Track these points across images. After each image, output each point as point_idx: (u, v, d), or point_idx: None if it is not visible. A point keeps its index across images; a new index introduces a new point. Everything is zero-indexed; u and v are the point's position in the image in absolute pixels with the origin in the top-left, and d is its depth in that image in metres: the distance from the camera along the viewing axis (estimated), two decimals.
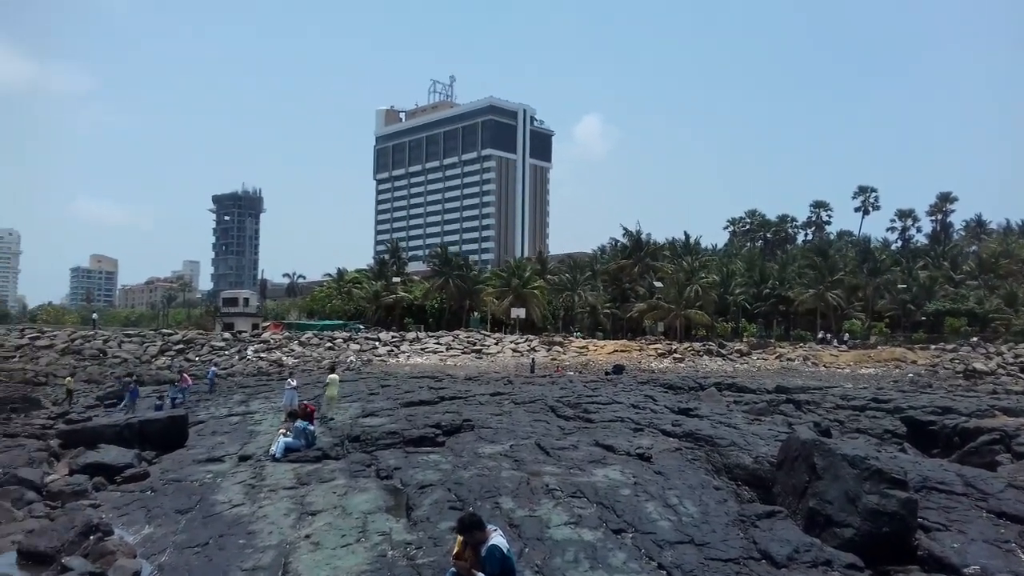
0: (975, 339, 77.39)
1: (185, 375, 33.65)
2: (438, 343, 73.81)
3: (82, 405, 33.62)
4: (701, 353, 74.59)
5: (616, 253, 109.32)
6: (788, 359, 72.79)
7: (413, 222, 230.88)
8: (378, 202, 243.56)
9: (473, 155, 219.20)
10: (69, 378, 38.72)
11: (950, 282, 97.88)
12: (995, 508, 11.74)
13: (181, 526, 12.42)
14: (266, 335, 77.16)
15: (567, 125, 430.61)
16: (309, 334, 76.03)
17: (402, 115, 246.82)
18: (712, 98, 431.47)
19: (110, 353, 63.22)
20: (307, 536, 10.95)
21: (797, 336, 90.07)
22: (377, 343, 72.76)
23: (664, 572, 9.75)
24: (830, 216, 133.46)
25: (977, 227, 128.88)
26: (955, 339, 78.86)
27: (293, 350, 68.00)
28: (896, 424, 23.55)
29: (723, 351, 75.73)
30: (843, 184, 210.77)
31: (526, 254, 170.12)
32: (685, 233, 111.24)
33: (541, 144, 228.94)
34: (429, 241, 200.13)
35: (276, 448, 17.03)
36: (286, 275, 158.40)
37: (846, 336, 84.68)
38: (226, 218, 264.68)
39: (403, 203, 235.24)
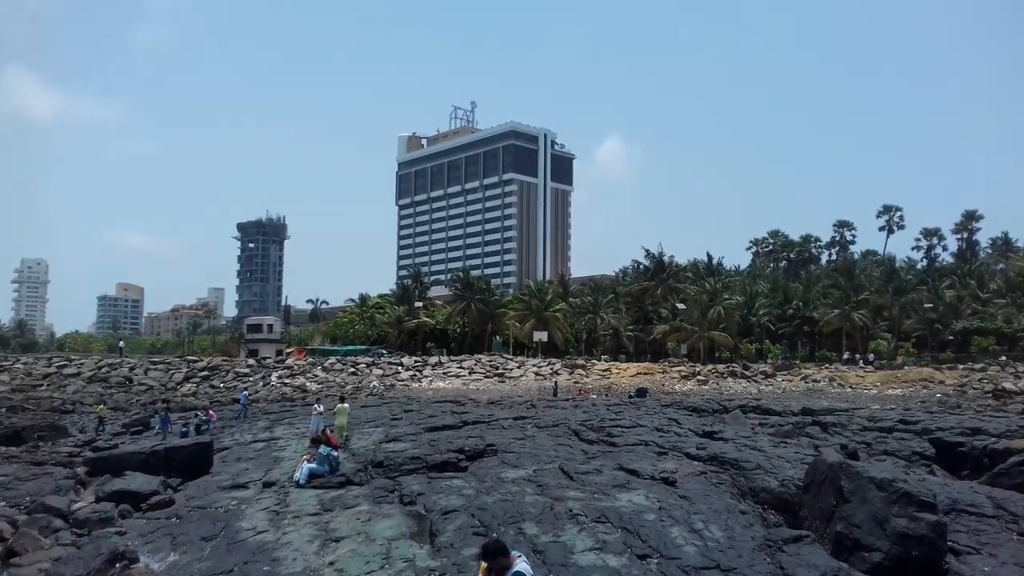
0: (1003, 358, 76.33)
1: (211, 411, 33.89)
2: (460, 367, 73.82)
3: (109, 432, 33.89)
4: (725, 375, 74.05)
5: (638, 275, 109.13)
6: (813, 380, 72.09)
7: (435, 247, 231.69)
8: (400, 227, 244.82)
9: (495, 179, 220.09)
10: (101, 406, 39.10)
11: (977, 301, 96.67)
12: None
13: (206, 553, 12.47)
14: (290, 361, 77.52)
15: (588, 148, 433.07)
16: (332, 360, 76.32)
17: (424, 141, 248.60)
18: (733, 119, 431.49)
19: (136, 381, 63.75)
20: (331, 563, 10.95)
21: (822, 357, 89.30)
22: (400, 368, 72.89)
23: None
24: (854, 236, 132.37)
25: (1004, 245, 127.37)
26: (983, 358, 77.80)
27: (317, 376, 68.25)
28: (924, 446, 23.22)
29: (747, 373, 75.14)
30: (867, 203, 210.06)
31: (548, 277, 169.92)
32: (707, 254, 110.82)
33: (562, 167, 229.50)
34: (451, 265, 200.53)
35: (300, 474, 17.08)
36: (310, 301, 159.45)
37: (872, 357, 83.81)
38: (250, 245, 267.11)
39: (425, 228, 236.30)
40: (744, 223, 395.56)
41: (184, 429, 29.73)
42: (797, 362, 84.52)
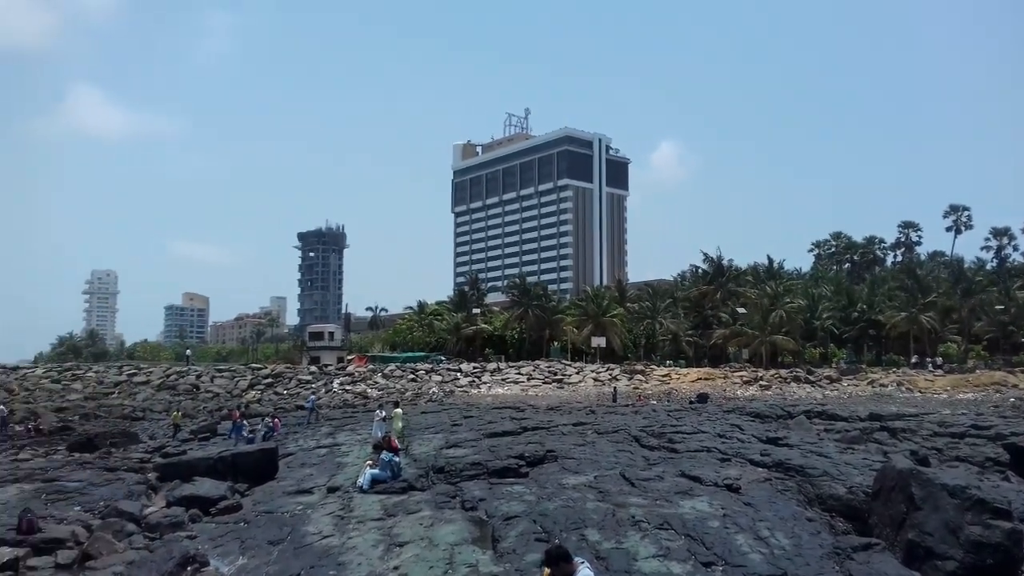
0: None
1: (277, 420, 34.55)
2: (519, 373, 73.92)
3: (178, 439, 34.74)
4: (788, 380, 72.78)
5: (697, 279, 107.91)
6: (880, 385, 70.42)
7: (491, 254, 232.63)
8: (457, 235, 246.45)
9: (549, 185, 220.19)
10: (177, 413, 40.06)
11: None
12: None
13: (274, 557, 12.71)
14: (351, 368, 78.55)
15: (644, 152, 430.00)
16: (392, 366, 77.12)
17: (478, 149, 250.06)
18: (792, 119, 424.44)
19: (203, 388, 65.30)
20: (395, 567, 11.07)
21: (889, 361, 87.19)
22: (459, 374, 73.33)
23: None
24: (920, 236, 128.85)
25: None
26: None
27: (377, 382, 69.05)
28: (998, 451, 22.49)
29: (811, 378, 73.72)
30: (933, 203, 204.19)
31: (605, 282, 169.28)
32: (768, 257, 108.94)
33: (617, 172, 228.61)
34: (507, 272, 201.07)
35: (363, 479, 17.29)
36: (369, 308, 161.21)
37: (941, 360, 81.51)
38: (311, 254, 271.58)
39: (481, 235, 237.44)
40: (805, 225, 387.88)
41: (250, 435, 30.37)
42: (863, 366, 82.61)
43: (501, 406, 44.72)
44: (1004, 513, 10.62)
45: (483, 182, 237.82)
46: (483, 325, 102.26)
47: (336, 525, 14.13)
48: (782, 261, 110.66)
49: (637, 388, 67.73)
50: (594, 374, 74.18)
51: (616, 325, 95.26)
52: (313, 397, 48.48)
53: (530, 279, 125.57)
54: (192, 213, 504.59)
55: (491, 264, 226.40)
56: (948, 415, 34.22)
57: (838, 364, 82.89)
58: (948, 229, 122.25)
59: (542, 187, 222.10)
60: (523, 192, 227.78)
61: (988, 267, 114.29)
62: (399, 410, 28.93)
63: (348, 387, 66.45)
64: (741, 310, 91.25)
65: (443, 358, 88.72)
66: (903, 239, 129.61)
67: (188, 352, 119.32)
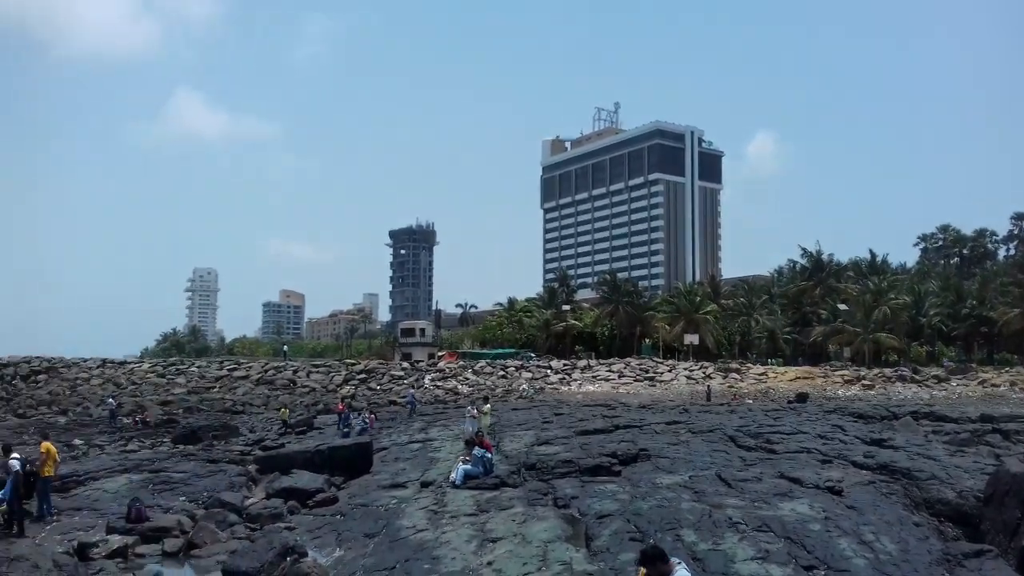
0: None
1: (372, 415, 35.18)
2: (609, 371, 73.38)
3: (275, 432, 35.71)
4: (893, 379, 70.04)
5: (795, 275, 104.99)
6: (992, 385, 67.05)
7: (581, 250, 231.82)
8: (546, 231, 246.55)
9: (640, 180, 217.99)
10: (284, 408, 41.12)
11: None
12: None
13: (369, 549, 12.88)
14: (442, 364, 79.44)
15: (738, 145, 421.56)
16: (482, 363, 77.63)
17: (567, 144, 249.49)
18: (895, 105, 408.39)
19: (299, 383, 67.04)
20: (489, 563, 11.05)
21: (1002, 360, 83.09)
22: (549, 371, 73.26)
23: None
24: None
25: None
26: None
27: (468, 379, 69.61)
28: None
29: (918, 377, 70.76)
30: None
31: (697, 278, 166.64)
32: (870, 252, 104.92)
33: (710, 165, 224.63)
34: (597, 268, 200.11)
35: (456, 475, 17.39)
36: (459, 305, 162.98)
37: None
38: (402, 252, 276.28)
39: (571, 231, 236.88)
40: (910, 217, 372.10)
41: (346, 430, 31.01)
42: (973, 365, 78.88)
43: (592, 404, 44.53)
44: None
45: (572, 178, 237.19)
46: (573, 322, 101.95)
47: (430, 519, 14.24)
48: (886, 255, 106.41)
49: (732, 387, 66.33)
50: (687, 372, 73.00)
51: (709, 322, 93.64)
52: (412, 392, 49.87)
53: (620, 275, 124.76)
54: (288, 212, 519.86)
55: (581, 260, 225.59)
56: None
57: (946, 363, 79.37)
58: None
59: (632, 182, 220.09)
60: (613, 187, 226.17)
61: None
62: (488, 406, 29.19)
63: (439, 383, 67.18)
64: (842, 306, 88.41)
65: (533, 355, 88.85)
66: (1016, 231, 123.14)
67: (285, 348, 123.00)
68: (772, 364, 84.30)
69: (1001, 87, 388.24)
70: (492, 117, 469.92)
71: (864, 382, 68.69)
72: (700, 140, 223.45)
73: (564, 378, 70.69)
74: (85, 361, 72.82)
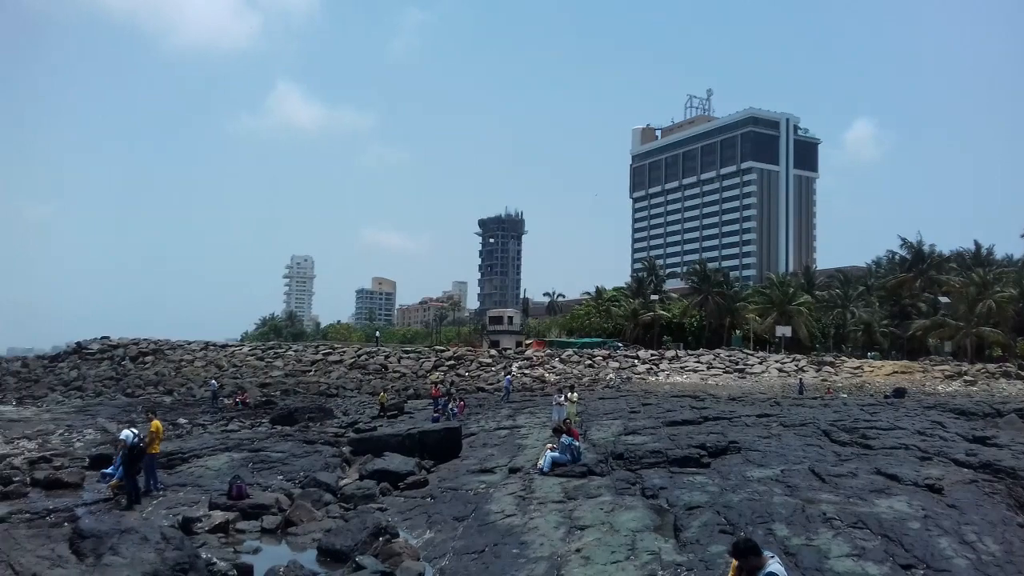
0: None
1: (462, 402, 35.63)
2: (698, 361, 72.37)
3: (368, 416, 36.55)
4: (997, 375, 66.87)
5: (893, 266, 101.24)
6: None
7: (670, 239, 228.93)
8: (635, 220, 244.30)
9: (732, 168, 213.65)
10: (383, 393, 42.02)
11: None
12: None
13: (459, 533, 13.11)
14: (529, 352, 79.78)
15: (835, 132, 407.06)
16: (569, 351, 77.61)
17: (658, 132, 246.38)
18: (1001, 95, 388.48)
19: (391, 368, 68.41)
20: (578, 550, 11.10)
21: None
22: (636, 361, 72.73)
23: None
24: None
25: None
26: None
27: (555, 367, 69.73)
28: None
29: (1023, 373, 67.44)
30: None
31: (790, 269, 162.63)
32: (975, 243, 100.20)
33: (806, 153, 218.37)
34: (687, 258, 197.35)
35: (544, 462, 17.49)
36: (546, 294, 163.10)
37: None
38: (491, 240, 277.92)
39: (660, 220, 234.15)
40: (1018, 208, 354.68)
41: (435, 415, 31.52)
42: None
43: (680, 394, 44.04)
44: None
45: (663, 166, 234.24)
46: (661, 312, 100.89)
47: (518, 505, 14.38)
48: (991, 247, 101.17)
49: (826, 380, 64.55)
50: (778, 364, 71.36)
51: (803, 314, 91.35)
52: (508, 377, 51.04)
53: (711, 265, 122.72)
54: (381, 202, 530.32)
55: (670, 250, 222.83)
56: None
57: None
58: None
59: (724, 170, 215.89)
60: (704, 176, 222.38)
61: None
62: (574, 394, 29.24)
63: (526, 371, 67.50)
64: (943, 299, 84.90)
65: (620, 344, 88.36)
66: None
67: (377, 334, 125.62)
68: (868, 358, 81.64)
69: None
70: (582, 106, 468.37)
71: (966, 378, 65.78)
72: (796, 127, 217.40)
73: (651, 368, 70.08)
74: (189, 344, 75.95)
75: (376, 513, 14.56)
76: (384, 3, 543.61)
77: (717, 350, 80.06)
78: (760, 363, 71.91)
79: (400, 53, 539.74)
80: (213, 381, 48.14)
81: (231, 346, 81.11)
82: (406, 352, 76.94)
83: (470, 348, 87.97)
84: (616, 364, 71.21)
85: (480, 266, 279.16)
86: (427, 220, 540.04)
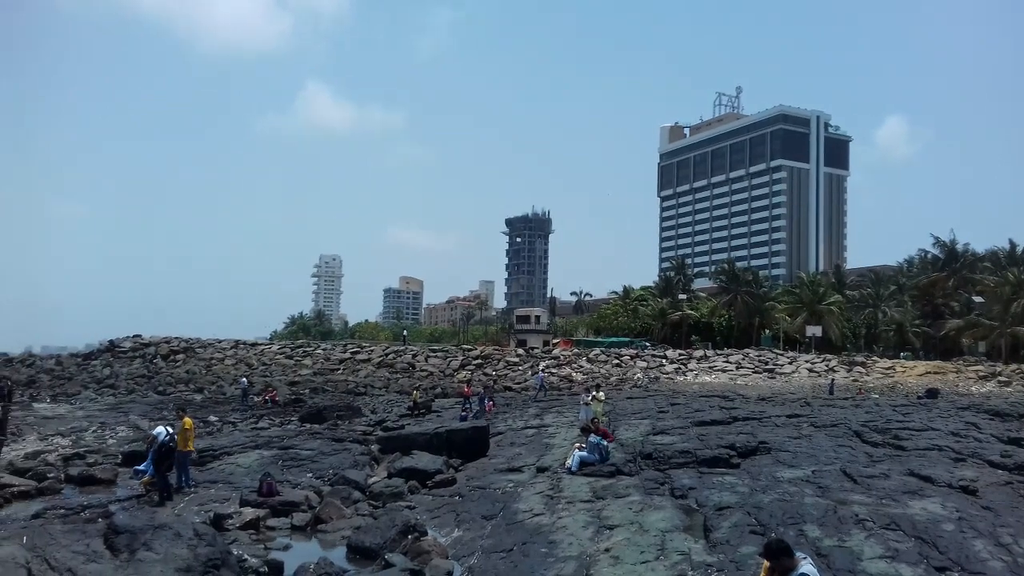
0: None
1: (492, 401, 35.65)
2: (727, 361, 71.86)
3: (396, 414, 36.69)
4: None
5: (926, 265, 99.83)
6: None
7: (699, 238, 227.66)
8: (663, 219, 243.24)
9: (762, 167, 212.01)
10: (416, 391, 42.09)
11: None
12: None
13: (487, 531, 13.12)
14: (556, 351, 79.67)
15: (867, 129, 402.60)
16: (597, 351, 77.40)
17: (686, 130, 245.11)
18: None
19: (418, 367, 68.60)
20: (606, 550, 11.07)
21: None
22: (664, 360, 72.35)
23: None
24: None
25: None
26: None
27: (582, 366, 69.57)
28: None
29: None
30: None
31: (820, 268, 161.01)
32: (1010, 241, 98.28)
33: (837, 151, 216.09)
34: (715, 257, 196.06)
35: (572, 461, 17.47)
36: (573, 293, 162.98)
37: None
38: (518, 240, 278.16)
39: (688, 219, 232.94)
40: None
41: (463, 413, 31.58)
42: None
43: (708, 394, 43.74)
44: None
45: (691, 165, 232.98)
46: (689, 311, 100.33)
47: (546, 504, 14.37)
48: None
49: (857, 381, 63.84)
50: (809, 365, 70.66)
51: (833, 313, 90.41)
52: (542, 375, 51.48)
53: (739, 264, 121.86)
54: (409, 201, 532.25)
55: (698, 249, 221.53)
56: None
57: None
58: None
59: (754, 168, 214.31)
60: (733, 174, 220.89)
61: None
62: (601, 393, 29.14)
63: (554, 370, 67.40)
64: (977, 299, 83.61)
65: (648, 344, 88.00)
66: None
67: (404, 332, 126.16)
68: (900, 358, 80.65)
69: None
70: (609, 104, 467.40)
71: (1000, 378, 64.71)
72: (826, 125, 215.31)
73: (680, 368, 69.70)
74: (219, 342, 76.65)
75: (405, 511, 14.59)
76: (412, 3, 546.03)
77: (746, 350, 79.47)
78: (790, 363, 71.27)
79: (428, 52, 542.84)
80: (243, 379, 48.49)
81: (261, 344, 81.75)
82: (433, 351, 77.11)
83: (497, 347, 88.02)
84: (644, 364, 70.91)
85: (507, 265, 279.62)
86: (454, 219, 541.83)
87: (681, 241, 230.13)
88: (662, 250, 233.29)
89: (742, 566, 10.08)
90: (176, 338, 76.31)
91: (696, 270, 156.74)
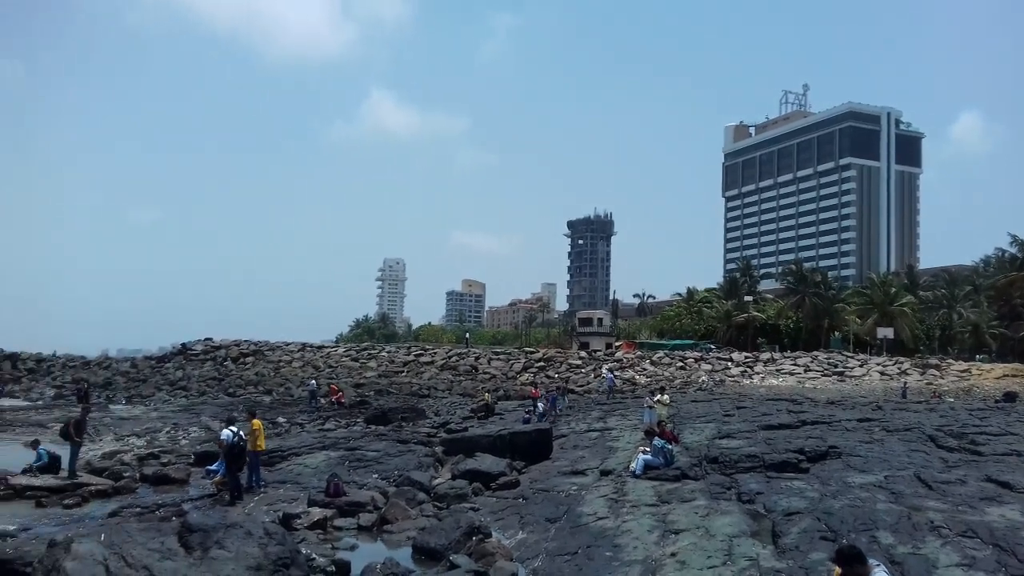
0: None
1: (546, 403, 35.63)
2: (795, 364, 70.45)
3: (459, 416, 36.89)
4: None
5: (1003, 265, 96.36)
6: None
7: (765, 239, 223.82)
8: (727, 220, 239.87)
9: (830, 165, 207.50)
10: (488, 394, 42.25)
11: None
12: None
13: (551, 534, 13.09)
14: (619, 354, 79.15)
15: (940, 125, 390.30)
16: (660, 353, 76.65)
17: (752, 129, 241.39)
18: None
19: (480, 369, 68.88)
20: (672, 554, 10.94)
21: None
22: (729, 363, 71.27)
23: None
24: None
25: None
26: None
27: (645, 369, 68.98)
28: None
29: None
30: None
31: (892, 268, 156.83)
32: None
33: (908, 148, 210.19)
34: (782, 258, 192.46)
35: (636, 465, 17.33)
36: (636, 295, 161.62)
37: None
38: (580, 242, 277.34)
39: (754, 220, 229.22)
40: None
41: (526, 416, 31.59)
42: None
43: (776, 398, 42.93)
44: None
45: (756, 164, 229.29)
46: (755, 313, 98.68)
47: (610, 508, 14.28)
48: None
49: (930, 384, 61.97)
50: (880, 367, 68.82)
51: (906, 315, 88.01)
52: (611, 376, 51.61)
53: (807, 265, 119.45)
54: (471, 204, 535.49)
55: (764, 250, 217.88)
56: None
57: None
58: None
59: (821, 167, 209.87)
60: (800, 173, 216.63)
61: None
62: (665, 396, 28.91)
63: (616, 372, 66.94)
64: None
65: (712, 346, 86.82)
66: None
67: (467, 335, 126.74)
68: (976, 360, 78.03)
69: None
70: (672, 105, 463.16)
71: None
72: (897, 121, 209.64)
73: (746, 371, 68.58)
74: (287, 345, 78.16)
75: (469, 513, 14.67)
76: (474, 8, 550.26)
77: (815, 352, 77.82)
78: (860, 366, 69.53)
79: (490, 57, 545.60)
80: (312, 381, 49.19)
81: (327, 347, 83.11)
82: (496, 353, 77.31)
83: (560, 350, 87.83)
84: (708, 366, 69.97)
85: (569, 267, 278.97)
86: (516, 222, 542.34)
87: (747, 242, 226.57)
88: (727, 251, 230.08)
89: (812, 572, 9.87)
90: (245, 341, 78.06)
91: (762, 271, 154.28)
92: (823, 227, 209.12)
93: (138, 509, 15.36)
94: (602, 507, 14.38)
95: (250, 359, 71.34)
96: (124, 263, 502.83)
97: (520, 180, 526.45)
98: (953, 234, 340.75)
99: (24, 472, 18.73)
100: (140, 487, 18.73)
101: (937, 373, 66.82)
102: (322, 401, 44.76)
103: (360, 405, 44.02)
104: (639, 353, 79.40)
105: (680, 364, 70.92)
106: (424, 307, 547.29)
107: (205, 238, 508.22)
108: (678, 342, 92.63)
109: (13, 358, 66.83)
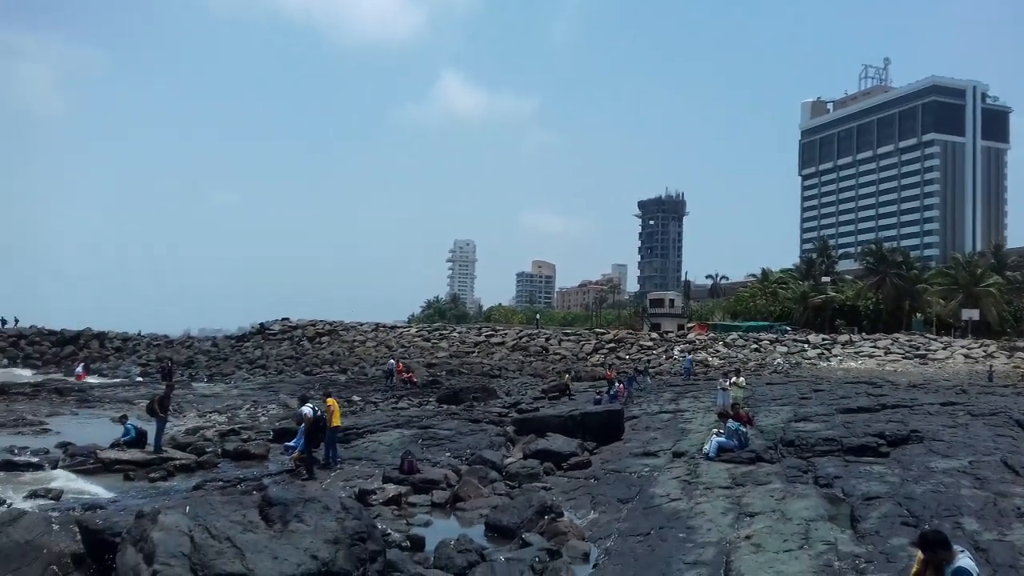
0: None
1: (621, 385, 35.46)
2: (874, 347, 68.62)
3: (530, 397, 37.03)
4: None
5: None
6: None
7: (843, 218, 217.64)
8: (804, 199, 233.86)
9: (912, 141, 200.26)
10: (567, 375, 42.30)
11: None
12: None
13: (623, 515, 13.07)
14: (691, 335, 78.34)
15: None
16: (734, 335, 75.56)
17: (829, 106, 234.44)
18: None
19: (551, 350, 69.00)
20: (747, 537, 10.81)
21: None
22: (806, 345, 69.88)
23: None
24: None
25: None
26: None
27: (718, 351, 68.15)
28: None
29: None
30: None
31: (978, 248, 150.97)
32: None
33: (996, 123, 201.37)
34: (861, 238, 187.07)
35: (709, 447, 17.18)
36: (709, 276, 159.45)
37: None
38: (651, 222, 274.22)
39: (831, 198, 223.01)
40: None
41: (597, 397, 31.56)
42: None
43: (854, 380, 41.97)
44: None
45: (835, 141, 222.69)
46: (833, 294, 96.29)
47: (683, 489, 14.18)
48: None
49: (1019, 367, 59.68)
50: (964, 350, 66.51)
51: (992, 296, 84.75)
52: (690, 358, 52.46)
53: (888, 245, 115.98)
54: (541, 185, 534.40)
55: (842, 230, 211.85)
56: None
57: None
58: None
59: (903, 144, 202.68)
60: (880, 150, 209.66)
61: None
62: (740, 379, 28.48)
63: (688, 354, 66.30)
64: None
65: (788, 328, 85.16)
66: None
67: (537, 316, 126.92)
68: None
69: None
70: (746, 82, 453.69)
71: None
72: (984, 95, 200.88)
73: (823, 353, 67.13)
74: (361, 325, 79.58)
75: (541, 492, 14.75)
76: None
77: (895, 335, 75.66)
78: (944, 348, 67.35)
79: (559, 38, 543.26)
80: (391, 361, 49.71)
81: (399, 327, 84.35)
82: (566, 334, 77.34)
83: (631, 331, 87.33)
84: (784, 349, 68.73)
85: (640, 248, 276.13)
86: (586, 203, 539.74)
87: (824, 221, 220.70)
88: (803, 231, 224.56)
89: (892, 558, 9.63)
90: (321, 321, 79.76)
91: (840, 251, 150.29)
92: (904, 206, 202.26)
93: (220, 483, 15.87)
94: (675, 488, 14.29)
95: (326, 339, 72.90)
96: (206, 245, 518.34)
97: (590, 160, 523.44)
98: None
99: (112, 446, 19.57)
100: (221, 462, 19.36)
101: None
102: (396, 380, 45.45)
103: (432, 385, 44.56)
104: (712, 335, 78.45)
105: (755, 346, 69.86)
106: (494, 288, 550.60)
107: (281, 221, 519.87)
108: (752, 324, 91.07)
109: (101, 337, 69.62)
